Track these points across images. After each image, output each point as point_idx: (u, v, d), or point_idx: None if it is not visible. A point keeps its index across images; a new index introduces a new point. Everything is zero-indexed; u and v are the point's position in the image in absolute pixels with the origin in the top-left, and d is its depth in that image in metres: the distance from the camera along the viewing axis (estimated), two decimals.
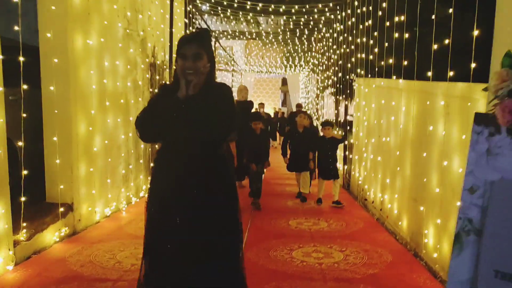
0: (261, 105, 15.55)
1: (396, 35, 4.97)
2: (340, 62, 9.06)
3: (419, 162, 4.28)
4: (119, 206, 5.96)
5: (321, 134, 6.91)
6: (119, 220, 5.54)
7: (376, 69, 5.89)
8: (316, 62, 14.23)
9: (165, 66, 7.91)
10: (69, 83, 4.69)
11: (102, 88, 5.37)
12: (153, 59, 7.30)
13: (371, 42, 6.25)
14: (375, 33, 5.92)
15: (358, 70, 7.17)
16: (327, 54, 11.34)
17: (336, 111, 9.39)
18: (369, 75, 6.39)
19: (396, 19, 4.91)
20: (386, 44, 5.43)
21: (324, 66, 12.22)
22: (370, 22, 6.19)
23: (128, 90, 6.24)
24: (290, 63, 19.46)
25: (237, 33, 14.04)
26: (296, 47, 15.36)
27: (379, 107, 5.94)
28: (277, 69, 22.40)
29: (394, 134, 5.15)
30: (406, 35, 4.57)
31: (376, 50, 5.88)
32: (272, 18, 11.13)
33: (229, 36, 14.51)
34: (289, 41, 14.07)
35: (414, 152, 4.47)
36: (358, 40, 7.08)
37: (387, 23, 5.32)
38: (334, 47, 9.83)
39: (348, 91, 8.15)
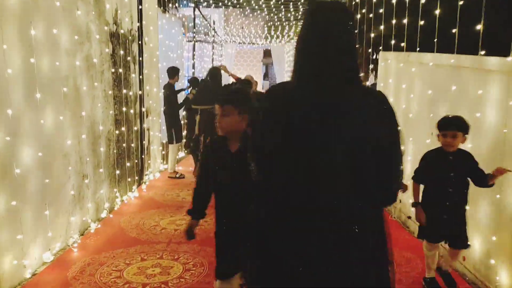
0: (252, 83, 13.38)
1: None
2: (355, 31, 7.23)
3: None
4: (68, 242, 4.13)
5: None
6: (66, 266, 3.73)
7: (436, 40, 4.10)
8: None
9: (131, 37, 5.93)
10: None
11: (28, 71, 3.43)
12: (115, 28, 5.33)
13: (423, 1, 4.45)
14: None
15: (392, 42, 5.38)
16: None
17: None
18: (418, 49, 4.61)
19: None
20: (461, 2, 3.64)
21: None
22: None
23: (76, 72, 4.30)
24: (278, 33, 17.47)
25: None
26: (281, 15, 13.30)
27: (438, 94, 4.19)
28: (261, 40, 20.40)
29: (479, 139, 3.43)
30: None
31: (436, 12, 4.08)
32: None
33: (211, 2, 12.42)
34: (273, 8, 12.05)
35: None
36: (394, 1, 5.26)
37: None
38: None
39: (371, 67, 6.38)
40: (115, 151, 5.31)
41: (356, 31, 1.47)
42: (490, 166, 3.09)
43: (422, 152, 3.33)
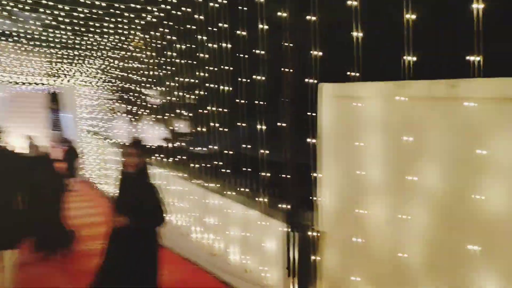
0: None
1: None
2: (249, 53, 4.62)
3: None
4: None
5: None
6: None
7: None
8: (139, 65, 9.11)
9: None
10: None
11: None
12: None
13: None
14: None
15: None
16: (178, 46, 6.60)
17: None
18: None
19: None
20: None
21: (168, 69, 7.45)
22: None
23: None
24: (72, 71, 13.46)
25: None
26: (77, 47, 9.69)
27: None
28: (48, 80, 16.00)
29: None
30: None
31: None
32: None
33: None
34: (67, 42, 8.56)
35: None
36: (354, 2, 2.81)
37: None
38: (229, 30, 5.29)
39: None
40: None
41: None
42: None
43: None
